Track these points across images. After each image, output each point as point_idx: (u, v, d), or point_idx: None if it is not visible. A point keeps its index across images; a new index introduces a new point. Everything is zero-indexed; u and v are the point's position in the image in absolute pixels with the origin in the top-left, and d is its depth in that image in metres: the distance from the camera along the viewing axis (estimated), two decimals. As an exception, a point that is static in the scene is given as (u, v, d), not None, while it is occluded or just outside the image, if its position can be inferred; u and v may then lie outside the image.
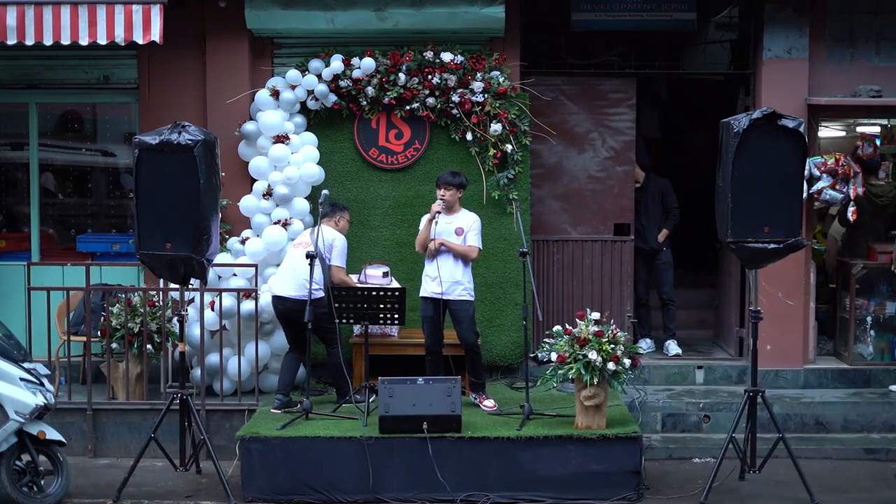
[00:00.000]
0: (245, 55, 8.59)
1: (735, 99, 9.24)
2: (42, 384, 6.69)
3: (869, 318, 8.99)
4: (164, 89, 8.71)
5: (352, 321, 7.52)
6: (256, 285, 7.93)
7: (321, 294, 7.47)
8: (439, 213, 7.42)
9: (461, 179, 7.57)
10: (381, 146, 8.68)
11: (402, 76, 8.42)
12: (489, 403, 7.58)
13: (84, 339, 8.10)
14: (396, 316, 7.43)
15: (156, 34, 7.70)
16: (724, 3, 9.79)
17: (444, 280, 7.41)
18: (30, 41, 7.66)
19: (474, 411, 7.44)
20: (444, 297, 7.45)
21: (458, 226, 7.51)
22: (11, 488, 6.45)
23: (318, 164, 8.42)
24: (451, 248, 7.43)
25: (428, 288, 7.53)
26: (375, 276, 8.10)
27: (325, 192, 7.72)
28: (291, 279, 7.53)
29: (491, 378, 8.46)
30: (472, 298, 7.56)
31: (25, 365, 6.68)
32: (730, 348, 9.34)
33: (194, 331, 7.83)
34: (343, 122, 8.67)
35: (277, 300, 7.59)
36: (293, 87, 8.43)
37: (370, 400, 7.31)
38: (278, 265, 8.14)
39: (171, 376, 8.04)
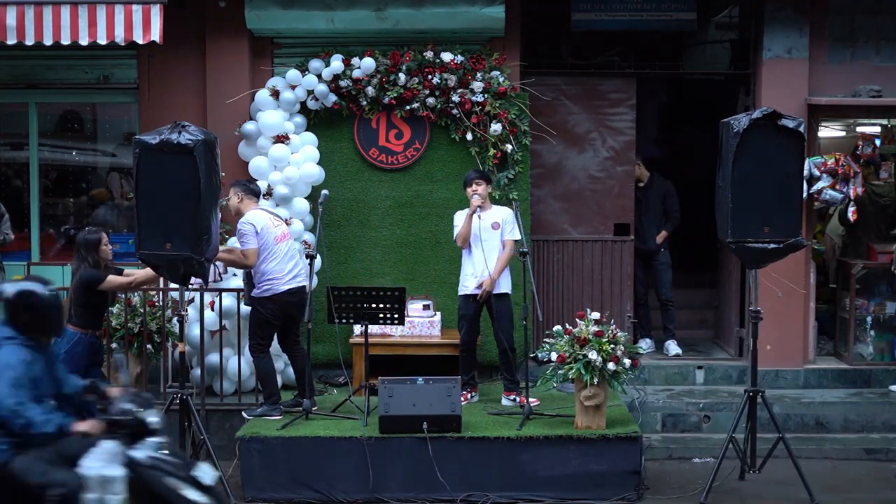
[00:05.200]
0: (245, 55, 8.60)
1: (735, 99, 9.24)
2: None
3: (869, 318, 8.99)
4: (164, 89, 8.71)
5: (352, 321, 7.52)
6: (256, 285, 7.92)
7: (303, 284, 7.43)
8: (480, 207, 7.53)
9: (489, 175, 7.84)
10: (381, 146, 8.68)
11: (402, 76, 8.42)
12: (533, 400, 7.54)
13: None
14: (396, 316, 7.43)
15: (156, 34, 7.70)
16: (724, 3, 9.80)
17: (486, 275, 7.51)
18: (30, 41, 7.66)
19: (474, 411, 7.43)
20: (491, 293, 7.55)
21: (494, 220, 7.62)
22: (11, 488, 6.45)
23: (318, 164, 8.42)
24: (500, 268, 7.58)
25: (470, 285, 7.58)
26: (416, 308, 8.18)
27: (325, 192, 7.72)
28: (299, 270, 7.43)
29: (490, 378, 8.46)
30: (510, 291, 7.71)
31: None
32: (730, 348, 9.34)
33: (194, 331, 7.82)
34: (343, 122, 8.67)
35: (290, 294, 7.34)
36: (293, 87, 8.43)
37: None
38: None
39: (171, 376, 8.04)
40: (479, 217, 7.55)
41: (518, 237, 7.63)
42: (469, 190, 7.62)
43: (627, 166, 9.13)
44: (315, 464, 6.90)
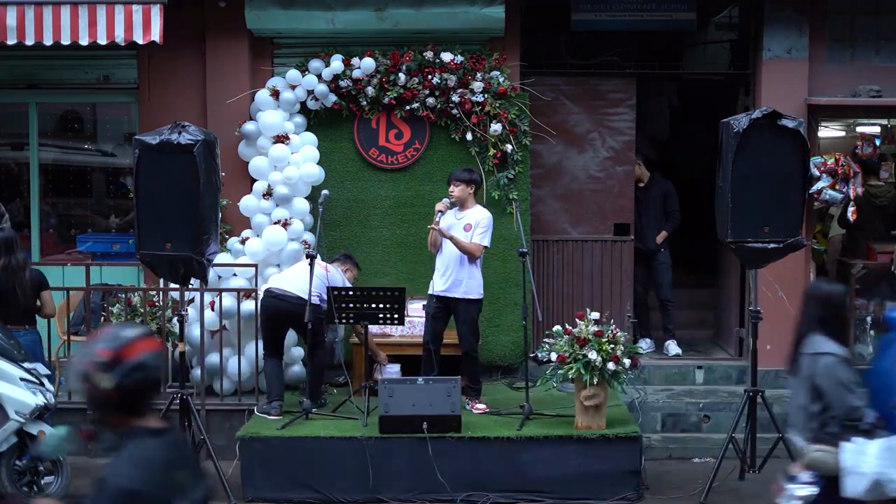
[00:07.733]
0: (245, 55, 8.59)
1: (735, 99, 9.24)
2: (42, 384, 6.69)
3: (869, 318, 8.98)
4: (164, 89, 8.71)
5: (352, 321, 7.51)
6: (256, 285, 7.93)
7: (320, 303, 7.41)
8: (441, 212, 7.38)
9: (472, 175, 7.54)
10: (381, 146, 8.68)
11: (402, 76, 8.42)
12: (480, 406, 7.51)
13: (84, 339, 8.09)
14: (396, 316, 7.42)
15: (156, 34, 7.71)
16: (724, 3, 9.79)
17: (448, 277, 7.39)
18: (30, 41, 7.66)
19: (474, 411, 7.43)
20: (447, 295, 7.41)
21: (468, 222, 7.44)
22: (11, 488, 6.45)
23: (318, 164, 8.42)
24: (454, 241, 7.31)
25: (436, 285, 7.49)
26: (416, 308, 8.13)
27: (325, 192, 7.73)
28: (301, 283, 7.31)
29: (491, 378, 8.46)
30: (477, 297, 7.45)
31: (25, 365, 6.69)
32: (730, 348, 9.34)
33: (194, 331, 7.83)
34: (343, 122, 8.67)
35: (276, 298, 7.38)
36: (293, 87, 8.43)
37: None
38: (279, 265, 8.14)
39: (171, 376, 8.03)
40: (437, 222, 7.33)
41: (487, 244, 7.42)
42: (449, 189, 7.51)
43: (627, 166, 9.13)
44: (315, 464, 6.90)
